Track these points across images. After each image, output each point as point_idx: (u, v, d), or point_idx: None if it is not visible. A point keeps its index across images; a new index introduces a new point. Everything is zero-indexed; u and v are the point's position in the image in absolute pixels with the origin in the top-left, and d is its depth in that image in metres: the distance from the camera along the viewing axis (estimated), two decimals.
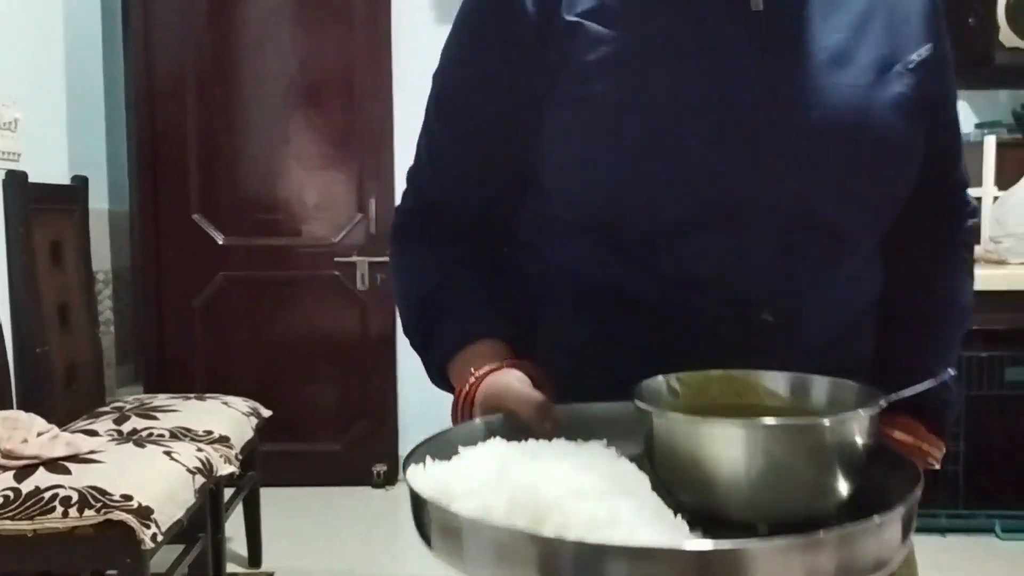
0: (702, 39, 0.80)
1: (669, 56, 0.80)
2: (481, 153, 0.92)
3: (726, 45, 0.80)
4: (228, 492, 2.68)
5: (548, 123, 0.85)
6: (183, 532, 2.31)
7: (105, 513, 1.89)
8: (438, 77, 0.93)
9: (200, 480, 2.22)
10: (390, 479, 3.83)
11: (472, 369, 0.83)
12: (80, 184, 2.81)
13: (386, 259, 3.62)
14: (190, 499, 2.15)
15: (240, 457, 2.51)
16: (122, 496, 1.92)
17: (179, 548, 2.31)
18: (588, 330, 0.88)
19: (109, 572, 2.33)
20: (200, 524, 2.37)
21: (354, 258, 3.76)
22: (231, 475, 2.42)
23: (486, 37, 0.87)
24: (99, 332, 2.92)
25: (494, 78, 0.87)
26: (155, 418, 2.49)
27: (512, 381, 0.79)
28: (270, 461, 3.28)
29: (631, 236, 0.82)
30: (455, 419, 0.83)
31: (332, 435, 3.85)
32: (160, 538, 1.93)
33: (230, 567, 2.84)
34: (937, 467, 0.95)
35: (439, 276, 0.93)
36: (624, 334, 0.85)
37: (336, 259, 3.76)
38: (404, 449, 3.88)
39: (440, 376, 0.91)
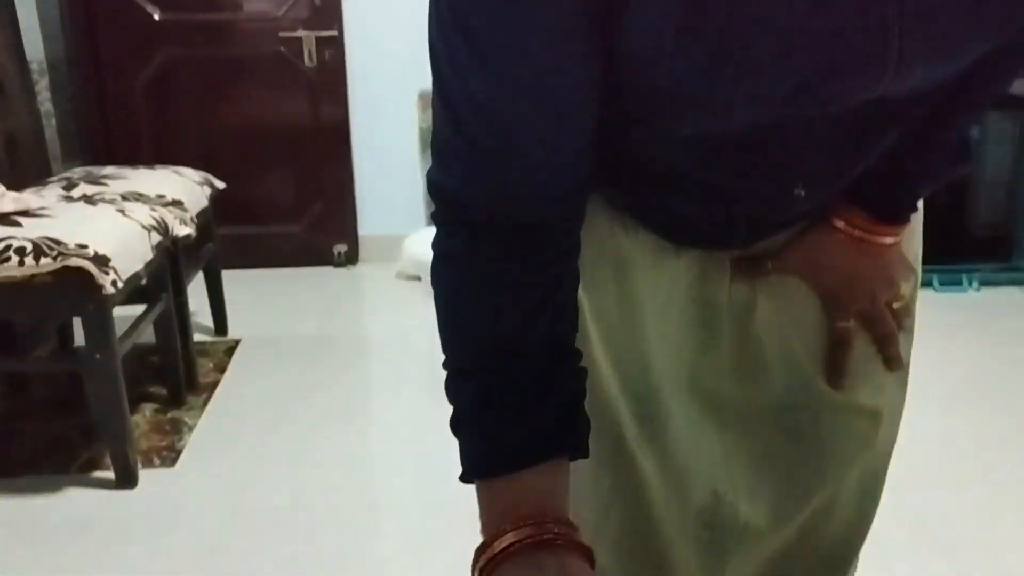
0: None
1: None
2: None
3: None
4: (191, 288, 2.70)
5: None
6: (145, 292, 2.35)
7: (61, 260, 1.90)
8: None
9: (156, 238, 2.22)
10: (351, 258, 3.88)
11: (489, 532, 0.62)
12: None
13: (333, 33, 3.49)
14: (148, 254, 2.16)
15: (195, 221, 2.51)
16: (77, 245, 1.93)
17: (142, 310, 2.35)
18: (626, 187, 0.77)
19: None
20: (161, 285, 2.40)
21: (299, 32, 3.61)
22: (187, 237, 2.42)
23: None
24: (38, 104, 2.82)
25: None
26: (105, 184, 2.45)
27: None
28: (230, 244, 3.30)
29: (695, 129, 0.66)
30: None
31: (290, 217, 3.85)
32: (120, 285, 1.95)
33: (197, 337, 2.90)
34: (898, 304, 0.84)
35: (492, 347, 0.65)
36: (661, 191, 0.76)
37: (280, 34, 3.61)
38: (363, 229, 3.92)
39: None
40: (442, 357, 0.67)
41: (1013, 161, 3.58)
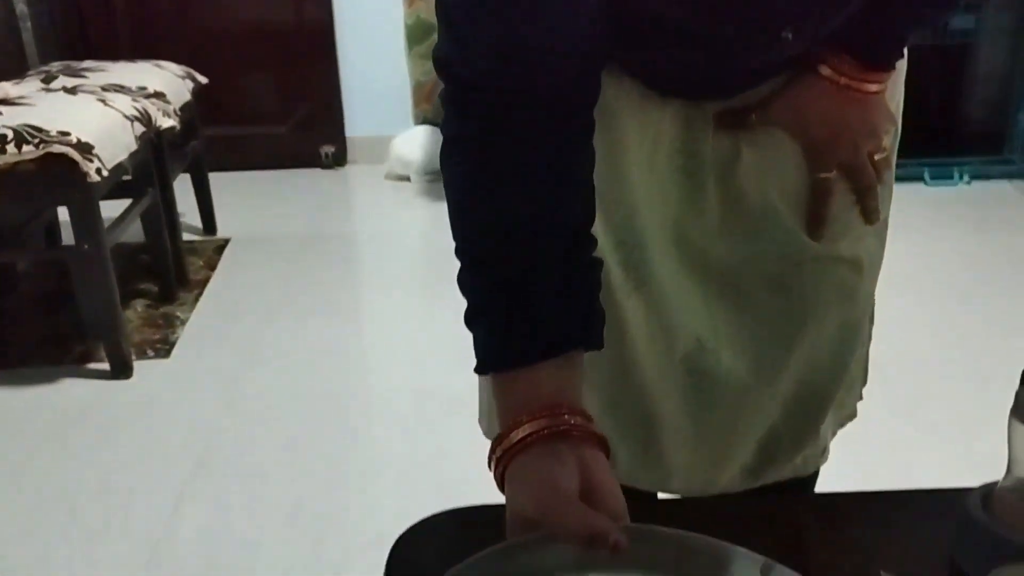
0: None
1: None
2: None
3: None
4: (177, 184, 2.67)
5: None
6: (130, 186, 2.33)
7: (44, 148, 1.87)
8: None
9: (140, 128, 2.19)
10: (339, 160, 3.84)
11: (506, 424, 0.62)
12: None
13: None
14: (132, 144, 2.13)
15: (179, 115, 2.47)
16: (59, 132, 1.90)
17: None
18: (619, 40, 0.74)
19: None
20: (147, 179, 2.38)
21: None
22: (171, 130, 2.38)
23: None
24: (12, 3, 2.74)
25: None
26: (85, 77, 2.40)
27: (556, 489, 0.58)
28: (215, 145, 3.25)
29: None
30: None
31: (276, 118, 3.79)
32: (105, 173, 1.93)
33: (186, 236, 2.90)
34: (884, 148, 0.84)
35: (507, 228, 0.64)
36: (651, 44, 0.74)
37: None
38: (350, 130, 3.87)
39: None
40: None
41: (1007, 54, 3.53)
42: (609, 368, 0.86)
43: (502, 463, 0.61)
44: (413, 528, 0.75)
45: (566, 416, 0.61)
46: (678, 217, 0.83)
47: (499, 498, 0.62)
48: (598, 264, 0.67)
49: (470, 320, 0.66)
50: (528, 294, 0.63)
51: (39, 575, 1.56)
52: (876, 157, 0.83)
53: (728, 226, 0.83)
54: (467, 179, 0.65)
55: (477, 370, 0.65)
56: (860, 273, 0.87)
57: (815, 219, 0.83)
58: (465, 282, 0.66)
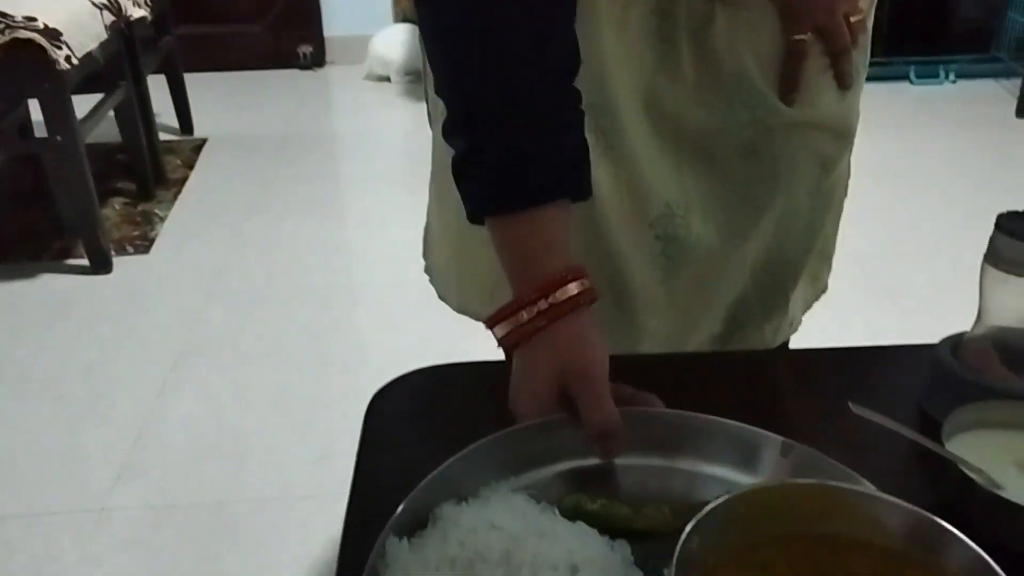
0: None
1: None
2: None
3: None
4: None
5: None
6: (102, 79, 2.27)
7: (10, 34, 1.82)
8: None
9: (109, 17, 2.12)
10: (317, 60, 3.76)
11: (543, 278, 0.62)
12: None
13: None
14: (101, 33, 2.07)
15: (149, 5, 2.39)
16: (25, 18, 1.84)
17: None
18: None
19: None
20: (119, 72, 2.32)
21: None
22: (142, 20, 2.32)
23: None
24: None
25: None
26: None
27: (597, 365, 0.60)
28: (190, 45, 3.16)
29: None
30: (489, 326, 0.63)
31: (250, 15, 3.69)
32: (75, 61, 1.88)
33: (163, 136, 2.84)
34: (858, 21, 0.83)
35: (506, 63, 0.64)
36: None
37: None
38: (328, 30, 3.77)
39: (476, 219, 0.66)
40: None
41: None
42: (580, 231, 0.86)
43: (546, 316, 0.61)
44: (390, 384, 0.76)
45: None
46: (651, 81, 0.81)
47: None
48: (583, 115, 0.67)
49: (463, 166, 0.65)
50: (529, 131, 0.63)
51: (26, 459, 1.58)
52: (852, 19, 0.82)
53: (701, 91, 0.82)
54: (451, 16, 0.64)
55: (471, 217, 0.65)
56: (833, 140, 0.86)
57: (788, 82, 0.82)
58: (456, 126, 0.65)
